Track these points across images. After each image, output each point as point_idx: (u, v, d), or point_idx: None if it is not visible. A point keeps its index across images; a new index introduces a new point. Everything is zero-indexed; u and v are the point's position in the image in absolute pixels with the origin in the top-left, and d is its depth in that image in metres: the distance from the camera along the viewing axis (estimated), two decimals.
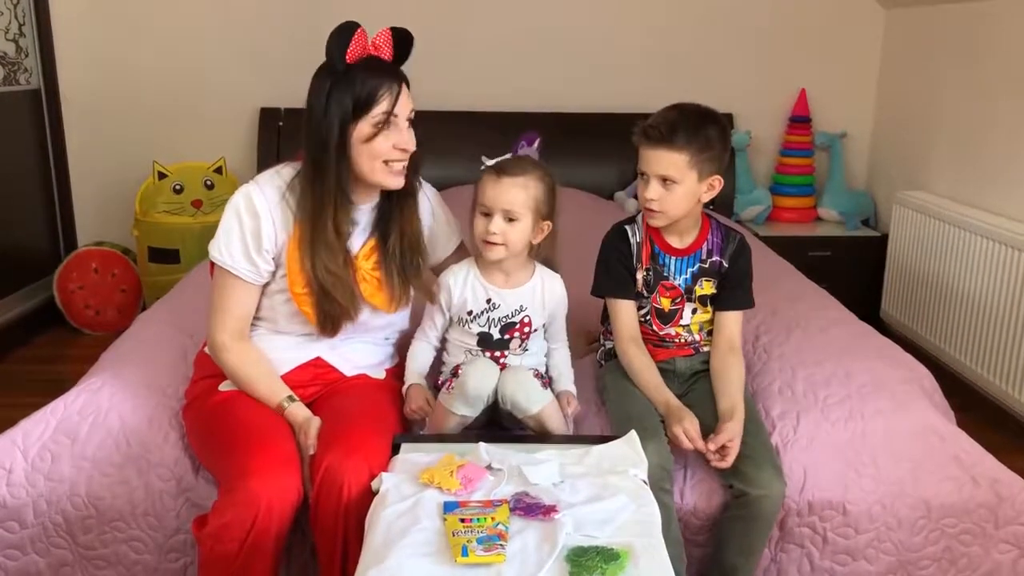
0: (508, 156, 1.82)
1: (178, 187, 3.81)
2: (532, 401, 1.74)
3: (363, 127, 1.71)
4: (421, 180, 1.95)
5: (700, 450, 1.77)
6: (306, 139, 1.75)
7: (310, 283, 1.76)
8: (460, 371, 1.77)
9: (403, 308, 1.90)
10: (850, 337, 2.23)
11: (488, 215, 1.78)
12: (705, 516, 1.82)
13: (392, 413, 1.82)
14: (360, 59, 1.72)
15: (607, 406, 1.94)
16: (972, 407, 3.07)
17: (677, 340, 1.98)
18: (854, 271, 3.86)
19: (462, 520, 1.40)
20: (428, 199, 1.98)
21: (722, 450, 1.76)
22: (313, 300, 1.77)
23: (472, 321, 1.84)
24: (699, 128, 1.82)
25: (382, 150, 1.73)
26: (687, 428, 1.76)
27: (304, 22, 3.89)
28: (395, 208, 1.85)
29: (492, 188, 1.78)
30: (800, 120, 4.08)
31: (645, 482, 1.57)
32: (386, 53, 1.76)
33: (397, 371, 1.97)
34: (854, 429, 1.89)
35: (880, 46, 4.11)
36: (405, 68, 1.81)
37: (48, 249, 4.03)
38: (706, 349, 1.99)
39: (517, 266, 1.85)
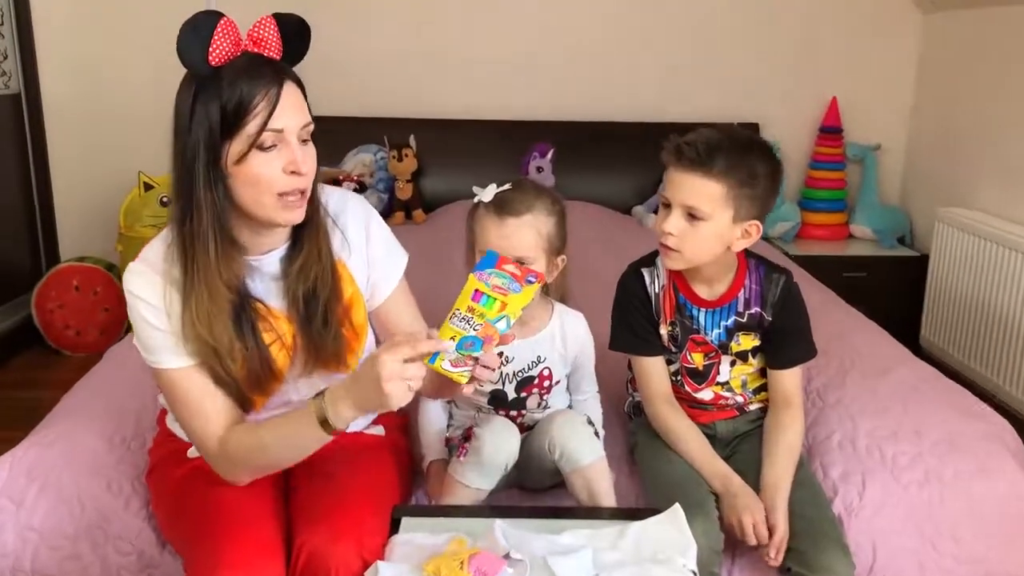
0: (506, 186, 1.54)
1: (165, 199, 3.56)
2: (585, 452, 1.49)
3: (236, 146, 1.31)
4: (337, 194, 1.52)
5: (763, 545, 1.49)
6: (172, 164, 1.36)
7: (195, 351, 1.37)
8: (473, 435, 1.50)
9: (353, 361, 1.49)
10: (914, 381, 1.95)
11: None
12: None
13: (391, 478, 1.54)
14: (233, 59, 1.32)
15: (640, 467, 1.67)
16: None
17: (717, 403, 1.70)
18: (890, 293, 3.60)
19: None
20: (355, 220, 1.51)
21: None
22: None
23: None
24: (744, 156, 1.52)
25: (265, 175, 1.32)
26: (756, 521, 1.48)
27: None
28: (300, 248, 1.43)
29: (496, 233, 1.50)
30: (831, 131, 3.87)
31: (695, 573, 1.31)
32: (272, 48, 1.35)
33: (395, 422, 1.70)
34: (930, 495, 1.63)
35: (917, 52, 3.89)
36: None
37: (29, 264, 3.80)
38: (752, 408, 1.72)
39: (532, 310, 1.53)
